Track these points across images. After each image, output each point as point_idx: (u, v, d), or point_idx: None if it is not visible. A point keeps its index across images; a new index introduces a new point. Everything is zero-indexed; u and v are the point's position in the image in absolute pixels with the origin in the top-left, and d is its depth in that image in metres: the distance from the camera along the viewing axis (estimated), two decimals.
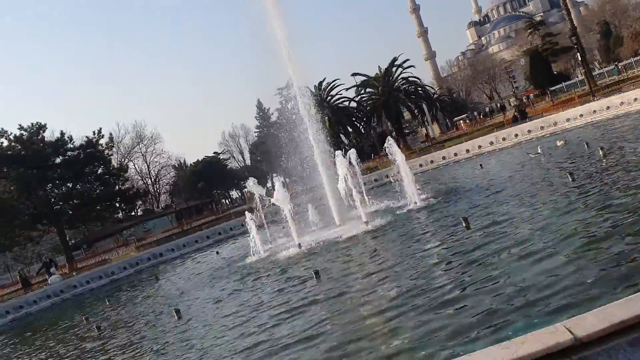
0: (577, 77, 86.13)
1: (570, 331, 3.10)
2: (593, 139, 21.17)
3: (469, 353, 3.39)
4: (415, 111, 68.45)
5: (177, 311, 13.69)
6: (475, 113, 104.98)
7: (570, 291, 6.44)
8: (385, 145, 21.45)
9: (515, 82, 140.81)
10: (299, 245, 18.13)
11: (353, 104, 68.86)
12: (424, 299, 8.20)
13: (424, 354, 6.17)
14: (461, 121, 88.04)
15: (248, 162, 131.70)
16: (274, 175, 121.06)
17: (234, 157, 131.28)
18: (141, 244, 51.29)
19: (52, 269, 35.70)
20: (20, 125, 42.81)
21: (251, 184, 23.20)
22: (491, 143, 33.24)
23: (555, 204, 11.93)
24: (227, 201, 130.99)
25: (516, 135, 32.35)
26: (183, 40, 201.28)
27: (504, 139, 32.85)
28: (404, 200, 20.29)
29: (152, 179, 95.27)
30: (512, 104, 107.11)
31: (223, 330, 10.61)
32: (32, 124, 43.37)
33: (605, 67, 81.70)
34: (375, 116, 66.50)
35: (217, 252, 27.55)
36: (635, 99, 26.64)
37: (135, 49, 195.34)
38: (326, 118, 63.41)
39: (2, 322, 27.04)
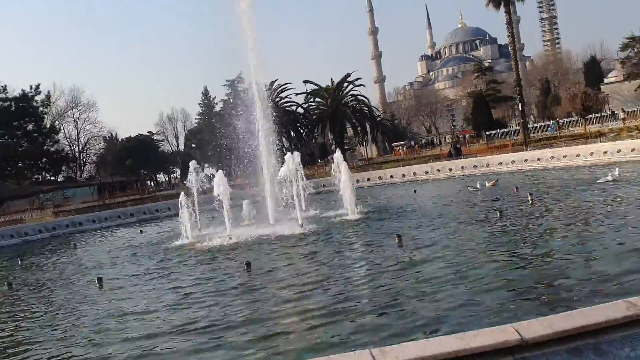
0: (512, 126, 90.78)
1: (518, 332, 3.54)
2: (522, 185, 22.51)
3: (428, 339, 3.77)
4: (359, 129, 69.82)
5: (100, 280, 13.51)
6: (412, 142, 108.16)
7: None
8: (335, 156, 22.07)
9: (454, 120, 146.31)
10: (230, 237, 18.23)
11: (300, 110, 69.45)
12: (343, 305, 8.55)
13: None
14: (399, 147, 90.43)
15: (182, 147, 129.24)
16: (206, 165, 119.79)
17: (167, 140, 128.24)
18: (59, 210, 49.35)
19: None
20: None
21: (192, 168, 23.02)
22: (426, 172, 34.61)
23: (480, 236, 12.80)
24: (152, 183, 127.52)
25: (450, 169, 33.81)
26: (138, 10, 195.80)
27: (438, 170, 34.25)
28: (341, 210, 20.87)
29: (80, 147, 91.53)
30: (449, 140, 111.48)
31: (144, 303, 10.67)
32: None
33: (539, 122, 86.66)
34: (320, 126, 67.31)
35: (141, 231, 27.06)
36: (565, 156, 28.58)
37: (87, 12, 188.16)
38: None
39: None
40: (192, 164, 23.21)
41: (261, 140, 21.98)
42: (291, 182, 19.93)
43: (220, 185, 19.31)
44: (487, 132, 72.47)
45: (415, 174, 34.79)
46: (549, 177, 24.59)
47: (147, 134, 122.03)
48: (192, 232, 20.50)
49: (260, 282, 11.35)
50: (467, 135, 79.03)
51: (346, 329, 7.32)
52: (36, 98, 43.38)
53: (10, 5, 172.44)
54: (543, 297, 7.55)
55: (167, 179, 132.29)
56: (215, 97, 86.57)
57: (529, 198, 17.43)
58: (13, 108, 41.74)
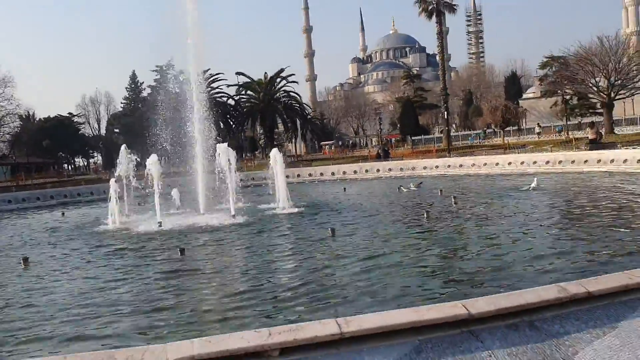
0: (435, 133, 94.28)
1: (465, 308, 3.96)
2: (446, 188, 23.63)
3: (387, 311, 4.13)
4: (289, 125, 70.21)
5: (25, 259, 13.07)
6: (340, 142, 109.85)
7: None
8: (273, 151, 22.36)
9: (381, 123, 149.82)
10: (160, 224, 18.05)
11: (231, 102, 68.82)
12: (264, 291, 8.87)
13: None
14: (327, 146, 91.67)
15: (103, 132, 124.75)
16: (128, 151, 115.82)
17: (89, 123, 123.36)
18: None
19: None
20: None
21: (123, 151, 22.47)
22: (355, 172, 35.46)
23: (406, 234, 13.50)
24: (70, 167, 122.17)
25: (378, 170, 34.84)
26: None
27: (366, 170, 35.19)
28: (273, 204, 21.12)
29: None
30: (376, 143, 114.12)
31: (73, 282, 10.54)
32: None
33: (460, 131, 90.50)
34: (250, 120, 67.07)
35: (63, 214, 26.14)
36: (485, 164, 30.23)
37: None
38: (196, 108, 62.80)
39: None
40: (123, 148, 22.63)
41: (195, 128, 21.81)
42: (223, 172, 19.93)
43: (152, 169, 19.07)
44: (412, 137, 75.02)
45: (344, 172, 35.56)
46: (470, 183, 25.95)
47: (68, 115, 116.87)
48: (120, 218, 20.07)
49: (193, 268, 11.44)
50: (393, 139, 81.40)
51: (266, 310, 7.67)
52: None
53: None
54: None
55: (86, 163, 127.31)
56: (143, 82, 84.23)
57: (453, 200, 18.42)
58: None
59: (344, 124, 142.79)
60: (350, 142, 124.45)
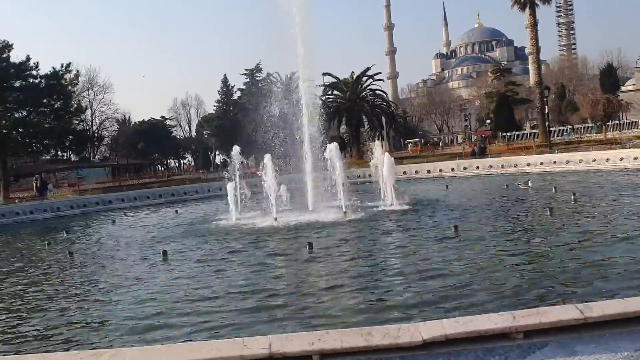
0: (526, 129, 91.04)
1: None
2: (558, 185, 22.84)
3: (629, 298, 4.23)
4: (375, 124, 70.12)
5: (165, 253, 13.95)
6: (422, 140, 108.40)
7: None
8: (373, 148, 22.55)
9: (466, 120, 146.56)
10: (275, 219, 18.73)
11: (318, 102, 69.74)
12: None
13: None
14: (411, 144, 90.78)
15: (194, 134, 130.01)
16: (217, 153, 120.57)
17: (180, 126, 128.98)
18: (80, 189, 49.89)
19: (50, 186, 37.42)
20: None
21: (235, 152, 23.29)
22: (452, 169, 35.02)
23: (539, 232, 13.23)
24: (162, 168, 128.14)
25: (477, 167, 34.20)
26: None
27: (464, 168, 34.65)
28: (380, 202, 21.36)
29: (94, 128, 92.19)
30: (462, 140, 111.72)
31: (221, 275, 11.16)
32: None
33: (555, 127, 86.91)
34: (337, 119, 67.58)
35: (177, 211, 27.55)
36: (594, 160, 28.94)
37: None
38: (277, 110, 64.02)
39: None
40: (236, 149, 23.48)
41: (305, 129, 22.35)
42: (332, 170, 20.35)
43: (266, 168, 19.79)
44: (503, 134, 72.93)
45: (441, 170, 35.21)
46: (582, 180, 24.95)
47: (160, 118, 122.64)
48: (236, 214, 20.95)
49: (325, 260, 11.87)
50: (483, 136, 79.41)
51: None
52: (65, 76, 43.67)
53: None
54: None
55: (177, 164, 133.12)
56: (234, 85, 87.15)
57: (573, 197, 17.87)
58: (43, 86, 42.10)
59: (426, 122, 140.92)
60: (434, 139, 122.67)
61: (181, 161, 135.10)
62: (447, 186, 27.52)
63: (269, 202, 20.03)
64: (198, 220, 22.74)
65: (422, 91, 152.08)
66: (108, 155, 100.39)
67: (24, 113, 43.52)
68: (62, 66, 43.37)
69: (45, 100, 43.17)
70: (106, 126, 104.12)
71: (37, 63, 42.36)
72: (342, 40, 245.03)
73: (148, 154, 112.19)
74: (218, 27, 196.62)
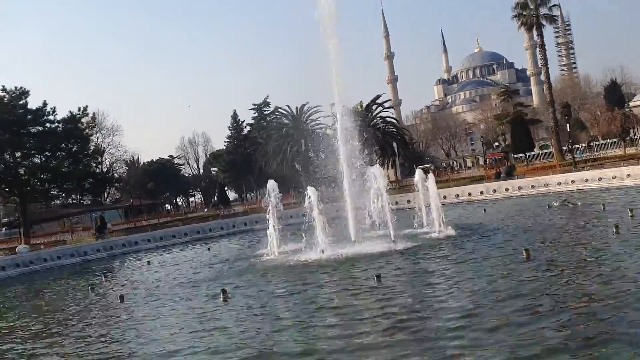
0: (535, 149, 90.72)
1: None
2: (604, 203, 22.26)
3: None
4: (387, 151, 70.05)
5: (224, 291, 13.45)
6: (433, 166, 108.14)
7: None
8: (418, 174, 22.22)
9: (472, 143, 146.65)
10: (322, 251, 18.20)
11: (329, 132, 69.84)
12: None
13: None
14: (420, 170, 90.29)
15: (201, 171, 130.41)
16: (225, 188, 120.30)
17: (188, 164, 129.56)
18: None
19: (108, 225, 38.66)
20: (3, 87, 41.16)
21: (271, 186, 22.73)
22: (481, 192, 34.54)
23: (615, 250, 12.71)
24: (171, 207, 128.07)
25: (507, 189, 33.75)
26: (163, 35, 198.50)
27: (494, 190, 34.18)
28: (423, 228, 20.89)
29: (104, 171, 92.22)
30: (471, 164, 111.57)
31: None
32: (15, 87, 41.71)
33: (565, 146, 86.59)
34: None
35: (209, 248, 27.09)
36: (629, 175, 28.47)
37: (111, 35, 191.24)
38: (302, 141, 64.04)
39: None
40: (271, 183, 22.94)
41: (342, 158, 21.98)
42: (377, 198, 19.91)
43: (312, 199, 19.35)
44: (525, 154, 72.60)
45: (469, 194, 34.74)
46: (623, 196, 24.43)
47: (169, 157, 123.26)
48: (277, 248, 20.44)
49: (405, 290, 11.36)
50: (495, 158, 79.11)
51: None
52: (82, 120, 43.74)
53: (33, 28, 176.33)
54: None
55: (186, 202, 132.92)
56: (243, 120, 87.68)
57: (629, 213, 17.37)
58: (61, 130, 42.13)
59: (433, 147, 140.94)
60: (443, 164, 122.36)
61: (189, 199, 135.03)
62: (484, 209, 27.03)
63: (311, 235, 19.58)
64: (237, 256, 22.29)
65: (426, 117, 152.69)
66: (119, 197, 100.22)
67: (42, 158, 43.43)
68: (79, 110, 43.49)
69: (63, 145, 43.11)
70: (116, 168, 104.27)
71: (54, 108, 42.55)
72: (345, 71, 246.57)
73: (158, 194, 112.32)
74: (221, 66, 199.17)
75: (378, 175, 19.60)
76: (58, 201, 69.47)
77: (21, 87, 41.68)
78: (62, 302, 16.78)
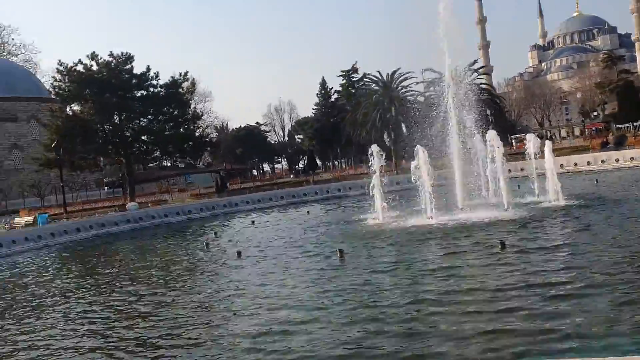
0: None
1: None
2: None
3: None
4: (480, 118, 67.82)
5: (341, 251, 13.52)
6: (525, 136, 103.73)
7: None
8: (530, 140, 21.33)
9: (567, 113, 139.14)
10: (430, 217, 17.89)
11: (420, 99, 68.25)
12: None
13: None
14: (516, 140, 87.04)
15: (286, 138, 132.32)
16: (378, 149, 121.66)
17: (274, 131, 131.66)
18: (199, 193, 51.35)
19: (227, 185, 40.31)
20: (110, 52, 43.17)
21: (375, 150, 22.32)
22: (588, 163, 32.82)
23: None
24: (257, 172, 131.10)
25: (617, 160, 31.83)
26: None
27: (602, 161, 32.35)
28: (535, 197, 20.11)
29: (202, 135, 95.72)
30: (565, 134, 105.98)
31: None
32: (122, 53, 43.63)
33: None
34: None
35: (308, 212, 27.46)
36: None
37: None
38: (392, 108, 63.10)
39: (85, 235, 27.17)
40: (374, 147, 22.63)
41: (452, 123, 21.42)
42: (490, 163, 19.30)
43: (421, 164, 19.00)
44: (619, 125, 68.01)
45: (575, 164, 33.06)
46: None
47: (256, 124, 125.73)
48: (383, 213, 20.32)
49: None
50: (595, 129, 74.66)
51: None
52: (183, 85, 45.25)
53: None
54: None
55: (271, 168, 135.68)
56: (332, 87, 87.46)
57: None
58: (163, 95, 43.79)
59: (525, 116, 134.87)
60: (537, 134, 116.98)
61: (274, 166, 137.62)
62: (596, 180, 25.61)
63: (415, 201, 19.32)
64: (339, 219, 22.43)
65: (519, 85, 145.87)
66: (211, 161, 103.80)
67: (145, 121, 45.42)
68: (180, 75, 44.99)
69: (164, 109, 44.84)
70: (207, 133, 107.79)
71: (157, 73, 44.20)
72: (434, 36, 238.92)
73: (245, 159, 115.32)
74: (309, 32, 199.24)
75: (494, 141, 18.96)
76: (153, 164, 72.99)
77: (127, 53, 43.61)
78: (181, 255, 17.60)
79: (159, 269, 15.17)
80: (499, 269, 10.52)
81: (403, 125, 66.64)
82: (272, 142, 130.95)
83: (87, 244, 24.62)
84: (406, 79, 66.64)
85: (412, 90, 67.03)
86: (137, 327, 9.04)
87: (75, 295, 12.64)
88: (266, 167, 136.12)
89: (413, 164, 19.33)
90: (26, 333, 9.50)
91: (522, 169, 27.00)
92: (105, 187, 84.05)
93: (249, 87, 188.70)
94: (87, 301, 11.84)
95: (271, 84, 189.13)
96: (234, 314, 9.18)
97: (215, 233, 22.19)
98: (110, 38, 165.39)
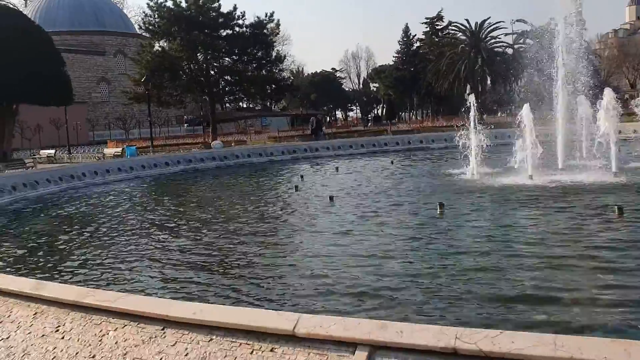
0: None
1: None
2: None
3: None
4: None
5: (441, 205, 13.07)
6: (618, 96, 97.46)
7: None
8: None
9: None
10: (531, 177, 17.03)
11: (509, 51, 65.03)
12: None
13: None
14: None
15: (361, 86, 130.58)
16: (389, 104, 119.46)
17: (350, 78, 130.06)
18: (278, 136, 51.78)
19: (323, 128, 40.70)
20: None
21: (526, 110, 20.56)
22: None
23: None
24: (330, 119, 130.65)
25: None
26: None
27: None
28: None
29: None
30: None
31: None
32: None
33: None
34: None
35: (392, 162, 27.02)
36: None
37: None
38: (479, 58, 60.59)
39: (174, 169, 28.01)
40: (526, 106, 20.54)
41: (559, 77, 20.11)
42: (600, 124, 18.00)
43: (525, 120, 18.01)
44: None
45: None
46: None
47: (331, 70, 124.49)
48: (477, 168, 19.56)
49: None
50: None
51: None
52: (268, 26, 44.91)
53: None
54: None
55: (344, 115, 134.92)
56: (415, 34, 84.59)
57: None
58: (248, 35, 43.66)
59: (615, 76, 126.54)
60: (625, 96, 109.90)
61: (347, 113, 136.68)
62: None
63: (513, 158, 18.35)
64: (428, 172, 21.87)
65: (612, 42, 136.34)
66: (285, 105, 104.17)
67: (230, 61, 45.65)
68: (265, 15, 44.63)
69: (249, 49, 44.82)
70: (288, 77, 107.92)
71: (244, 13, 44.02)
72: None
73: (318, 105, 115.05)
74: None
75: (608, 99, 17.62)
76: (230, 104, 73.90)
77: None
78: (272, 196, 17.75)
79: (257, 207, 15.32)
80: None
81: (488, 78, 64.36)
82: (347, 89, 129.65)
83: (177, 177, 25.44)
84: (495, 29, 63.64)
85: (501, 42, 64.04)
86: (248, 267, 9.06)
87: (176, 226, 12.94)
88: (339, 114, 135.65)
89: (517, 118, 18.36)
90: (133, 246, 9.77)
91: (635, 131, 25.22)
92: (185, 124, 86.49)
93: (327, 31, 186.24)
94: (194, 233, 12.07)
95: (350, 30, 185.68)
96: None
97: (302, 176, 22.20)
98: None
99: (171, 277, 8.51)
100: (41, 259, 10.21)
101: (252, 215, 13.88)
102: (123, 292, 6.13)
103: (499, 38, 64.11)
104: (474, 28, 63.51)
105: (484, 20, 62.90)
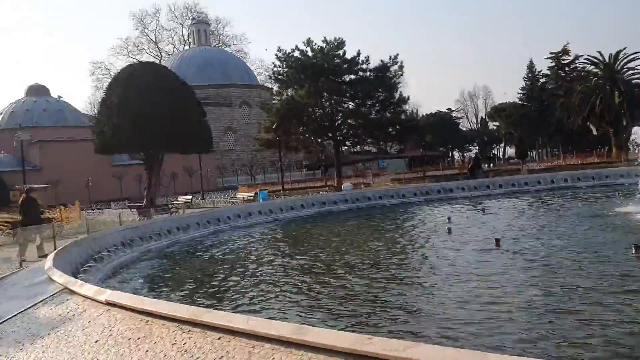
0: None
1: None
2: None
3: None
4: None
5: (637, 247, 11.53)
6: None
7: None
8: None
9: None
10: None
11: None
12: None
13: None
14: None
15: (479, 125, 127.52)
16: (520, 142, 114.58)
17: (467, 117, 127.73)
18: (398, 178, 51.25)
19: (482, 166, 39.42)
20: (324, 38, 44.37)
21: None
22: None
23: None
24: (446, 160, 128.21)
25: None
26: None
27: None
28: None
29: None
30: None
31: None
32: (335, 38, 44.66)
33: None
34: None
35: (542, 201, 25.21)
36: None
37: None
38: (616, 91, 56.55)
39: (309, 212, 28.02)
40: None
41: None
42: None
43: None
44: None
45: None
46: None
47: (447, 110, 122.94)
48: None
49: None
50: None
51: None
52: (391, 68, 44.99)
53: None
54: None
55: (461, 157, 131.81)
56: (540, 70, 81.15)
57: None
58: (373, 79, 43.95)
59: None
60: None
61: (464, 154, 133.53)
62: None
63: None
64: (592, 212, 20.00)
65: None
66: (401, 147, 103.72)
67: (354, 105, 46.09)
68: (389, 58, 44.76)
69: (372, 93, 45.04)
70: (413, 118, 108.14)
71: (368, 57, 44.48)
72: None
73: (434, 146, 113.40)
74: (506, 14, 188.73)
75: None
76: (346, 147, 74.50)
77: (339, 38, 44.60)
78: (423, 238, 16.91)
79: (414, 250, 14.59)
80: None
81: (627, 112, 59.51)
82: (464, 128, 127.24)
83: (315, 219, 25.42)
84: (631, 60, 59.21)
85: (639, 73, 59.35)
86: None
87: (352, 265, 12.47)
88: (457, 155, 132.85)
89: None
90: None
91: None
92: (304, 169, 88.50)
93: (442, 71, 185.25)
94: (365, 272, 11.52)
95: (465, 69, 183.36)
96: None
97: (449, 218, 21.17)
98: (308, 25, 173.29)
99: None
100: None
101: (421, 264, 13.16)
102: None
103: (637, 69, 59.52)
104: (607, 60, 59.52)
105: (619, 51, 58.83)
